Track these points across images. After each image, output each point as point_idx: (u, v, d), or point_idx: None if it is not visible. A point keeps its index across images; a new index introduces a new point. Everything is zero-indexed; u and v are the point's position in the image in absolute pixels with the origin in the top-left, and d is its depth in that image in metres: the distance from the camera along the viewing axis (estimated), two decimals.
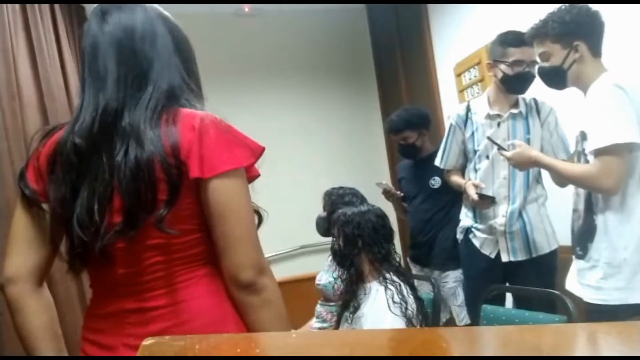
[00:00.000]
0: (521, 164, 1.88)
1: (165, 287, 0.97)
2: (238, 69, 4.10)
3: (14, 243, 1.02)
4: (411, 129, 2.64)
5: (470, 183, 2.19)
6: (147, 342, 0.60)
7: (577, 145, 1.77)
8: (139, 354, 0.59)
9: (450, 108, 3.29)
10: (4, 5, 2.04)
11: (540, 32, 1.74)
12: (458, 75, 3.22)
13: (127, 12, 1.01)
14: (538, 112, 2.15)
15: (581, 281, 1.69)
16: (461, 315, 2.51)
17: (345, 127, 4.29)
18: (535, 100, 2.18)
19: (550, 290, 1.84)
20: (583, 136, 1.70)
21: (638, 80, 1.62)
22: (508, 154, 1.88)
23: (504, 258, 2.18)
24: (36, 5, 2.31)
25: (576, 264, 1.74)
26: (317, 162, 4.17)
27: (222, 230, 0.95)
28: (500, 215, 2.16)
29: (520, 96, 2.19)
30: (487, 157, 2.20)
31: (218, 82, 4.03)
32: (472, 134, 2.26)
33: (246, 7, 4.04)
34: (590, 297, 1.63)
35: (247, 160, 0.98)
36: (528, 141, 2.11)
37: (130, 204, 0.92)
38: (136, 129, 0.94)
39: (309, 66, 4.26)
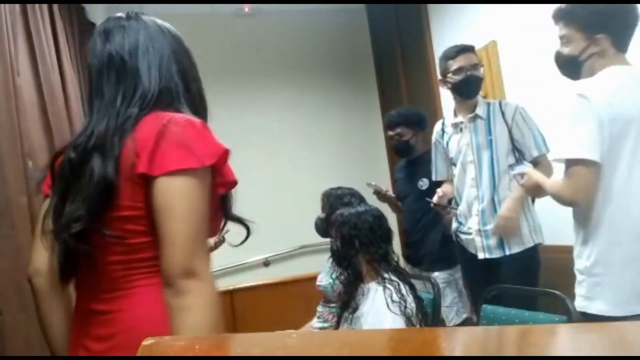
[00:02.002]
0: (530, 189, 1.90)
1: (116, 291, 0.97)
2: (238, 69, 4.10)
3: (37, 239, 1.08)
4: (407, 125, 2.72)
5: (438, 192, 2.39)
6: (147, 342, 0.60)
7: None
8: (139, 354, 0.59)
9: (450, 108, 3.30)
10: (2, 5, 2.03)
11: (566, 15, 1.62)
12: None
13: (129, 32, 1.05)
14: (503, 113, 2.23)
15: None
16: (450, 315, 2.53)
17: (345, 127, 4.29)
18: (500, 103, 2.28)
19: (551, 290, 1.83)
20: None
21: (613, 87, 1.53)
22: (521, 181, 1.89)
23: (480, 255, 2.24)
24: (36, 5, 2.31)
25: None
26: (317, 162, 4.17)
27: (162, 231, 0.92)
28: (474, 215, 2.25)
29: (483, 101, 2.31)
30: (455, 164, 2.36)
31: (218, 82, 4.03)
32: (447, 144, 2.40)
33: (246, 7, 4.04)
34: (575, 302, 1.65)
35: (201, 162, 0.93)
36: (490, 142, 2.22)
37: (85, 210, 0.96)
38: (103, 139, 0.98)
39: (309, 66, 4.26)
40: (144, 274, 0.97)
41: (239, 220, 1.10)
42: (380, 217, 1.88)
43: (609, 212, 1.51)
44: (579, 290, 1.59)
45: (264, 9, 4.10)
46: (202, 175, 0.94)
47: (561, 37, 1.66)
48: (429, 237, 2.62)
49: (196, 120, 0.98)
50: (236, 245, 2.45)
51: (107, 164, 0.95)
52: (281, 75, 4.20)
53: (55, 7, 2.56)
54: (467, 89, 2.26)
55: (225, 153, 0.98)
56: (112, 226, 0.96)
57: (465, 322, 2.55)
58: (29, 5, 2.24)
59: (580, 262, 1.59)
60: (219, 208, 1.04)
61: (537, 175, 1.81)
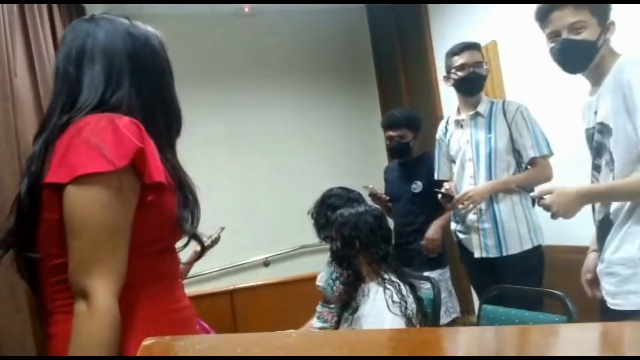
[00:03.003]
0: (564, 206, 1.53)
1: (54, 314, 0.92)
2: (238, 69, 4.10)
3: None
4: (409, 127, 2.72)
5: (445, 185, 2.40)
6: (147, 342, 0.60)
7: (589, 141, 1.58)
8: (139, 353, 0.59)
9: (450, 108, 3.30)
10: (0, 5, 2.03)
11: None
12: None
13: (78, 37, 0.99)
14: (504, 112, 2.22)
15: (601, 284, 1.56)
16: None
17: (345, 127, 4.29)
18: (503, 102, 2.28)
19: (551, 290, 1.83)
20: (605, 130, 1.48)
21: None
22: (544, 202, 1.57)
23: (477, 254, 2.25)
24: (35, 5, 2.30)
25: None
26: (317, 162, 4.17)
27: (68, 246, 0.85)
28: (472, 213, 2.25)
29: (487, 99, 2.31)
30: (454, 161, 2.38)
31: (218, 82, 4.03)
32: (449, 141, 2.41)
33: (246, 7, 4.04)
34: (608, 301, 1.50)
35: (112, 165, 0.84)
36: (490, 140, 2.21)
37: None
38: (38, 150, 0.93)
39: (309, 66, 4.26)
40: (70, 295, 0.87)
41: (194, 237, 1.01)
42: (380, 218, 1.87)
43: None
44: (631, 286, 1.43)
45: (264, 9, 4.10)
46: (114, 180, 0.85)
47: (571, 25, 1.49)
48: (421, 238, 2.65)
49: (122, 119, 0.89)
50: (192, 262, 2.46)
51: (24, 179, 0.92)
52: (281, 76, 4.19)
53: (55, 7, 2.56)
54: (468, 86, 2.27)
55: (139, 151, 0.87)
56: (39, 244, 0.91)
57: (455, 322, 2.58)
58: (27, 5, 2.24)
59: (632, 255, 1.42)
60: (174, 217, 0.95)
61: (575, 188, 1.53)
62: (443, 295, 2.56)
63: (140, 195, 0.90)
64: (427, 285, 2.56)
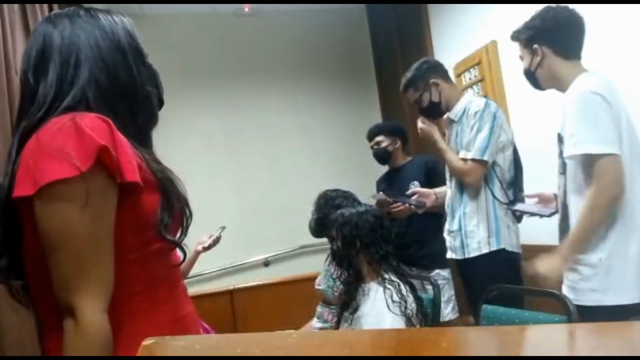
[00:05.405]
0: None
1: (48, 329, 0.88)
2: (238, 69, 4.10)
3: None
4: (384, 134, 2.86)
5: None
6: (147, 342, 0.60)
7: (558, 145, 1.78)
8: (139, 353, 0.59)
9: None
10: (2, 5, 2.03)
11: (515, 37, 1.84)
12: (458, 76, 3.22)
13: (37, 39, 0.93)
14: (467, 116, 2.19)
15: (565, 282, 1.72)
16: (446, 311, 2.55)
17: (345, 127, 4.29)
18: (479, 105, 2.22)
19: (550, 290, 1.83)
20: (560, 139, 1.72)
21: (615, 79, 1.63)
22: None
23: (448, 254, 2.29)
24: (36, 5, 2.30)
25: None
26: (317, 162, 4.17)
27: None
28: (448, 215, 2.29)
29: (466, 101, 2.25)
30: None
31: (218, 81, 4.03)
32: None
33: (246, 7, 4.04)
34: (571, 297, 1.66)
35: (77, 169, 0.77)
36: (456, 145, 2.23)
37: None
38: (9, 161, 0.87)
39: (309, 66, 4.26)
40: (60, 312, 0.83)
41: (175, 243, 0.94)
42: (381, 218, 1.88)
43: (628, 201, 1.56)
44: (589, 284, 1.60)
45: (263, 9, 4.10)
46: (82, 186, 0.78)
47: (520, 57, 1.84)
48: (428, 237, 2.64)
49: (85, 116, 0.83)
50: (193, 261, 2.48)
51: None
52: (281, 75, 4.19)
53: (56, 6, 2.56)
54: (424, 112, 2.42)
55: (103, 150, 0.79)
56: (25, 260, 0.88)
57: (458, 320, 2.61)
58: (29, 5, 2.24)
59: (594, 256, 1.59)
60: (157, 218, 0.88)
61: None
62: (451, 292, 2.61)
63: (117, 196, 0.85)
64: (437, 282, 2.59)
